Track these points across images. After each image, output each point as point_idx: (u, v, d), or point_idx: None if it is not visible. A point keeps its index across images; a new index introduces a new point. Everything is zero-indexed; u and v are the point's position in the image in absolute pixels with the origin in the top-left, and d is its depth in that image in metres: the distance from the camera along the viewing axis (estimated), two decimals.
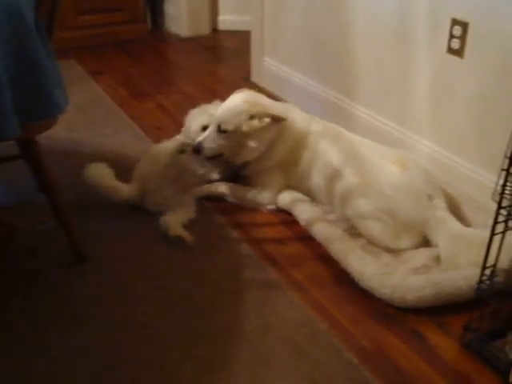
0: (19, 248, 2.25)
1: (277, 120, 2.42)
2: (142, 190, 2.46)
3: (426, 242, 2.20)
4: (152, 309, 1.98)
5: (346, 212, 2.30)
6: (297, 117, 2.55)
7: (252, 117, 2.40)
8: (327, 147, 2.42)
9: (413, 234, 2.20)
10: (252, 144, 2.44)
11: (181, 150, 2.47)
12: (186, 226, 2.35)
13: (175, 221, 2.35)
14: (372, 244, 2.22)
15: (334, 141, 2.44)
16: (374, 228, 2.22)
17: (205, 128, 2.52)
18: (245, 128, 2.40)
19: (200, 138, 2.47)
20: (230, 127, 2.41)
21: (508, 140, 1.61)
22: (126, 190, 2.46)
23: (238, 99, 2.46)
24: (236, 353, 1.79)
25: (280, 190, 2.55)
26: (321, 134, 2.48)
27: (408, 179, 2.23)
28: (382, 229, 2.20)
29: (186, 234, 2.31)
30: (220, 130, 2.44)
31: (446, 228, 2.14)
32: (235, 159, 2.54)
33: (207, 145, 2.45)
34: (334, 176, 2.35)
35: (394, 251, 2.18)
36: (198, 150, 2.46)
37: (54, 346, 1.82)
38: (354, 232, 2.28)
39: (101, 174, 2.48)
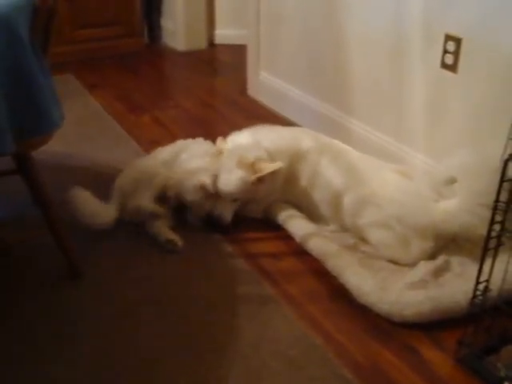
0: (14, 263, 2.25)
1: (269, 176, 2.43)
2: (122, 203, 2.46)
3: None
4: (145, 323, 1.98)
5: (357, 222, 2.31)
6: (286, 137, 2.57)
7: (253, 182, 2.42)
8: (327, 164, 2.44)
9: (424, 239, 2.19)
10: (260, 193, 2.49)
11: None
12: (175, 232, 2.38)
13: (162, 226, 2.38)
14: (381, 256, 2.22)
15: (334, 156, 2.45)
16: (384, 236, 2.22)
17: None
18: (250, 190, 2.44)
19: (218, 212, 2.47)
20: (236, 196, 2.45)
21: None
22: (111, 210, 2.43)
23: (232, 168, 2.43)
24: (229, 368, 1.79)
25: (272, 201, 2.56)
26: (317, 150, 2.48)
27: (413, 185, 2.25)
28: (393, 237, 2.20)
29: (177, 239, 2.34)
30: (232, 200, 2.48)
31: (454, 212, 2.13)
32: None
33: (228, 216, 2.48)
34: (338, 191, 2.37)
35: (402, 262, 2.19)
36: (220, 222, 2.48)
37: (46, 361, 1.81)
38: (352, 246, 2.30)
39: (85, 196, 2.38)
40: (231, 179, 2.43)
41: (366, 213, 2.28)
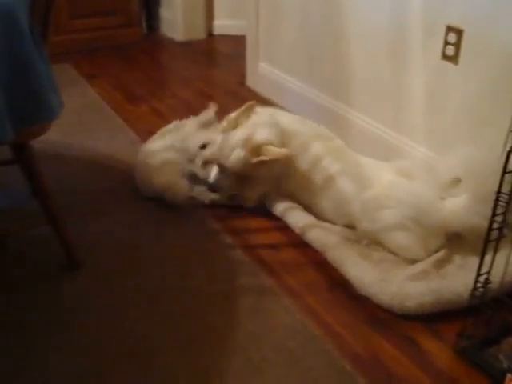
0: (11, 253, 2.24)
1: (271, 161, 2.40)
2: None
3: None
4: (143, 315, 1.97)
5: (369, 227, 2.26)
6: (291, 126, 2.53)
7: (254, 163, 2.39)
8: (331, 164, 2.42)
9: (437, 237, 2.19)
10: (261, 174, 2.47)
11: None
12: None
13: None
14: (398, 256, 2.20)
15: (338, 158, 2.43)
16: (403, 238, 2.19)
17: (203, 146, 2.60)
18: (250, 170, 2.43)
19: (211, 179, 2.51)
20: (236, 170, 2.44)
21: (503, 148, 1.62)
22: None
23: (237, 144, 2.40)
24: (229, 360, 1.78)
25: (265, 190, 2.56)
26: (325, 150, 2.46)
27: (419, 186, 2.24)
28: (411, 237, 2.18)
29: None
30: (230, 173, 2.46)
31: (461, 212, 2.14)
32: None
33: (221, 184, 2.49)
34: (346, 196, 2.36)
35: (420, 260, 2.16)
36: (215, 189, 2.52)
37: (41, 353, 1.80)
38: (353, 238, 2.29)
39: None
40: (231, 156, 2.41)
41: (379, 216, 2.23)
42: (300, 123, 2.58)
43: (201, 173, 2.61)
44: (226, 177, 2.48)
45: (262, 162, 2.38)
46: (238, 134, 2.42)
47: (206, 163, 2.59)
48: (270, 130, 2.43)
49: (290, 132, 2.48)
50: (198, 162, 2.61)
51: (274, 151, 2.37)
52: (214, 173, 2.51)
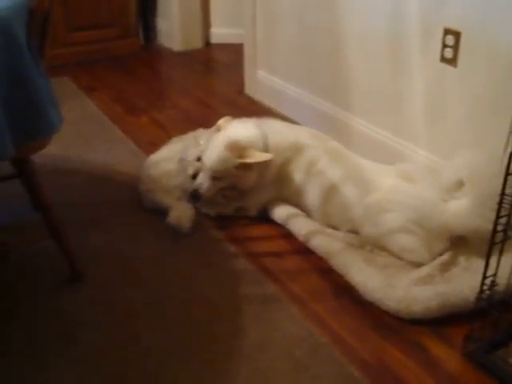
0: (14, 267, 2.23)
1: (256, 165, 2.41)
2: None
3: None
4: (148, 326, 1.96)
5: (372, 231, 2.25)
6: (286, 134, 2.53)
7: (237, 166, 2.40)
8: (330, 167, 2.41)
9: (441, 240, 2.18)
10: (245, 182, 2.48)
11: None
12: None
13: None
14: (402, 259, 2.19)
15: (336, 160, 2.42)
16: (407, 241, 2.19)
17: (199, 159, 2.56)
18: (233, 175, 2.43)
19: (195, 185, 2.49)
20: (219, 174, 2.44)
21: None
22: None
23: (220, 144, 2.41)
24: (236, 369, 1.77)
25: (267, 199, 2.54)
26: (320, 151, 2.45)
27: (421, 189, 2.24)
28: (415, 240, 2.17)
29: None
30: (212, 177, 2.45)
31: (464, 214, 2.13)
32: (233, 193, 2.55)
33: (204, 191, 2.47)
34: (349, 201, 2.35)
35: (425, 263, 2.15)
36: (196, 196, 2.50)
37: (42, 365, 1.80)
38: (357, 244, 2.28)
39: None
40: (213, 155, 2.41)
41: (382, 220, 2.22)
42: (291, 129, 2.61)
43: (190, 184, 2.56)
44: (209, 182, 2.46)
45: (246, 165, 2.39)
46: (221, 136, 2.44)
47: (197, 174, 2.55)
48: (254, 134, 2.45)
49: (282, 139, 2.48)
50: (190, 172, 2.59)
51: (258, 155, 2.39)
52: (198, 179, 2.50)
